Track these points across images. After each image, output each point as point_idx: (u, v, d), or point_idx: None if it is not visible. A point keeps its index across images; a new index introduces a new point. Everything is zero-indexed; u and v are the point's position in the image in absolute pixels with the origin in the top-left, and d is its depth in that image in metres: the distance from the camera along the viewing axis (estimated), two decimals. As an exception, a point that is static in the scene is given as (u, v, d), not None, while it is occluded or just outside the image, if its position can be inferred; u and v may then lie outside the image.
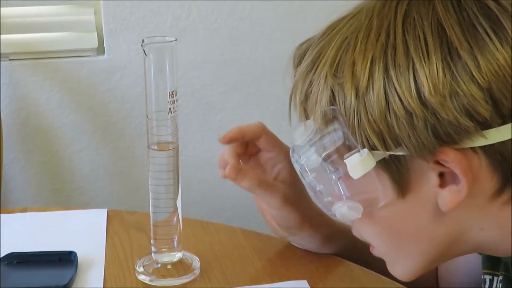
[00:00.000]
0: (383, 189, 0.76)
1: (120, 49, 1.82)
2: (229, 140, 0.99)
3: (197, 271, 1.01)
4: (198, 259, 1.03)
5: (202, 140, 1.90)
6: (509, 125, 0.71)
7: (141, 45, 0.92)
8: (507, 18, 0.72)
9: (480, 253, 0.93)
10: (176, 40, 0.93)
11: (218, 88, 1.89)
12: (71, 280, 0.99)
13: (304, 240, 1.05)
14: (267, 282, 1.00)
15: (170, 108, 0.94)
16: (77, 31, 1.83)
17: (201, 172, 1.83)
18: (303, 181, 0.80)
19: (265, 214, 1.03)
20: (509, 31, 0.71)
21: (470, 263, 1.01)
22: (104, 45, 1.82)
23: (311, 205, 1.03)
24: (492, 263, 0.89)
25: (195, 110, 1.89)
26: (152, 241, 1.01)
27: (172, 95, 0.94)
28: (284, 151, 1.01)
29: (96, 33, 1.82)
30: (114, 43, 1.81)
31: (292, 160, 0.81)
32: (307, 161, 0.78)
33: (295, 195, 1.00)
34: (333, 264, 1.04)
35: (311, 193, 0.80)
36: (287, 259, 1.05)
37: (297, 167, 0.80)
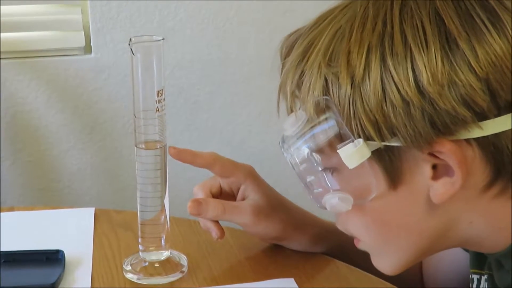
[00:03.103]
0: (375, 180, 0.75)
1: (107, 48, 1.81)
2: (178, 157, 1.00)
3: (185, 270, 1.01)
4: (185, 258, 1.03)
5: (190, 139, 1.90)
6: (504, 116, 0.71)
7: (129, 44, 0.92)
8: (504, 10, 0.72)
9: (467, 251, 0.94)
10: (163, 39, 0.93)
11: (205, 87, 1.90)
12: (59, 279, 0.99)
13: (293, 243, 1.06)
14: (254, 280, 1.00)
15: (157, 107, 0.94)
16: (64, 30, 1.83)
17: (188, 171, 1.83)
18: (294, 172, 0.79)
19: (246, 231, 1.04)
20: (506, 23, 0.71)
21: (456, 260, 1.01)
22: (91, 44, 1.81)
23: (292, 210, 1.04)
24: (479, 262, 0.89)
25: (182, 109, 1.89)
26: (139, 240, 1.01)
27: (160, 94, 0.94)
28: (242, 172, 1.03)
29: (83, 32, 1.81)
30: (101, 42, 1.81)
31: (282, 150, 0.80)
32: (298, 152, 0.78)
33: (268, 207, 1.01)
34: (320, 262, 1.04)
35: (301, 184, 0.80)
36: (274, 257, 1.06)
37: (287, 158, 0.79)
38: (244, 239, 1.09)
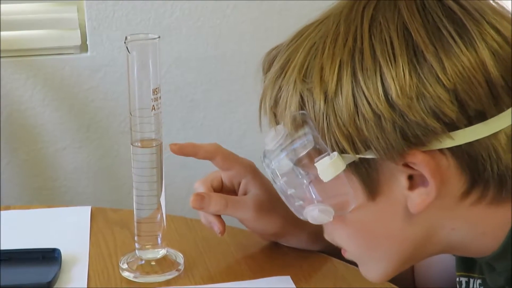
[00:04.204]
0: (354, 192, 0.76)
1: (103, 46, 1.81)
2: (180, 152, 1.01)
3: (181, 268, 1.01)
4: (182, 256, 1.03)
5: (186, 137, 1.90)
6: (475, 126, 0.72)
7: (124, 43, 0.92)
8: (471, 21, 0.73)
9: (453, 255, 0.95)
10: (159, 37, 0.93)
11: (201, 85, 1.90)
12: (55, 277, 0.99)
13: (291, 241, 1.06)
14: (250, 279, 1.00)
15: (153, 105, 0.94)
16: (60, 29, 1.82)
17: (185, 169, 1.84)
18: (275, 186, 0.81)
19: (247, 226, 1.04)
20: (473, 34, 0.72)
21: (445, 260, 1.01)
22: (87, 42, 1.81)
23: None
24: (467, 265, 0.89)
25: (178, 108, 1.89)
26: (136, 238, 1.01)
27: (155, 92, 0.94)
28: (244, 166, 1.03)
29: (79, 31, 1.81)
30: (97, 41, 1.81)
31: (264, 165, 0.81)
32: (278, 166, 0.79)
33: (269, 202, 1.01)
34: (317, 260, 1.04)
35: (282, 197, 0.81)
36: (271, 255, 1.06)
37: (268, 172, 0.81)
38: (240, 237, 1.09)
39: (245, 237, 1.09)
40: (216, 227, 1.01)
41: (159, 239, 1.01)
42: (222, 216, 1.02)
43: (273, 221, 1.02)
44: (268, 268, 1.02)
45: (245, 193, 1.03)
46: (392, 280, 0.95)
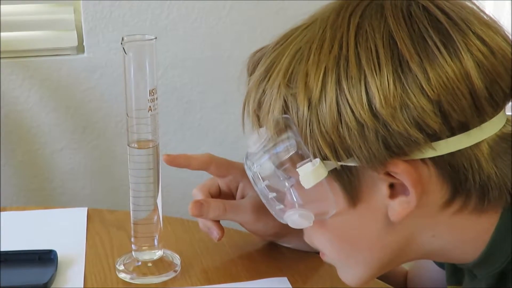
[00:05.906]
0: (335, 198, 0.76)
1: (100, 47, 1.81)
2: (172, 163, 1.02)
3: (178, 269, 1.01)
4: (178, 257, 1.03)
5: (183, 138, 1.90)
6: (457, 136, 0.72)
7: (121, 44, 0.92)
8: (457, 31, 0.72)
9: (442, 267, 0.94)
10: (155, 38, 0.93)
11: (198, 86, 1.89)
12: (51, 278, 0.99)
13: (293, 240, 1.06)
14: (247, 279, 1.00)
15: (150, 106, 0.94)
16: (56, 30, 1.82)
17: (181, 170, 1.83)
18: (255, 188, 0.81)
19: (247, 229, 1.04)
20: (458, 44, 0.72)
21: (438, 271, 1.02)
22: (84, 43, 1.81)
23: None
24: (457, 278, 0.90)
25: (175, 109, 1.89)
26: (132, 239, 1.01)
27: (152, 93, 0.94)
28: (239, 170, 1.04)
29: (75, 32, 1.81)
30: (93, 42, 1.81)
31: (245, 167, 0.81)
32: (260, 169, 0.79)
33: None
34: (313, 261, 1.04)
35: (263, 200, 0.81)
36: (268, 256, 1.06)
37: (249, 174, 0.80)
38: (237, 238, 1.09)
39: (242, 238, 1.09)
40: (216, 232, 1.01)
41: (155, 241, 1.01)
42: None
43: (272, 222, 1.01)
44: (265, 269, 1.02)
45: (243, 197, 1.03)
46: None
